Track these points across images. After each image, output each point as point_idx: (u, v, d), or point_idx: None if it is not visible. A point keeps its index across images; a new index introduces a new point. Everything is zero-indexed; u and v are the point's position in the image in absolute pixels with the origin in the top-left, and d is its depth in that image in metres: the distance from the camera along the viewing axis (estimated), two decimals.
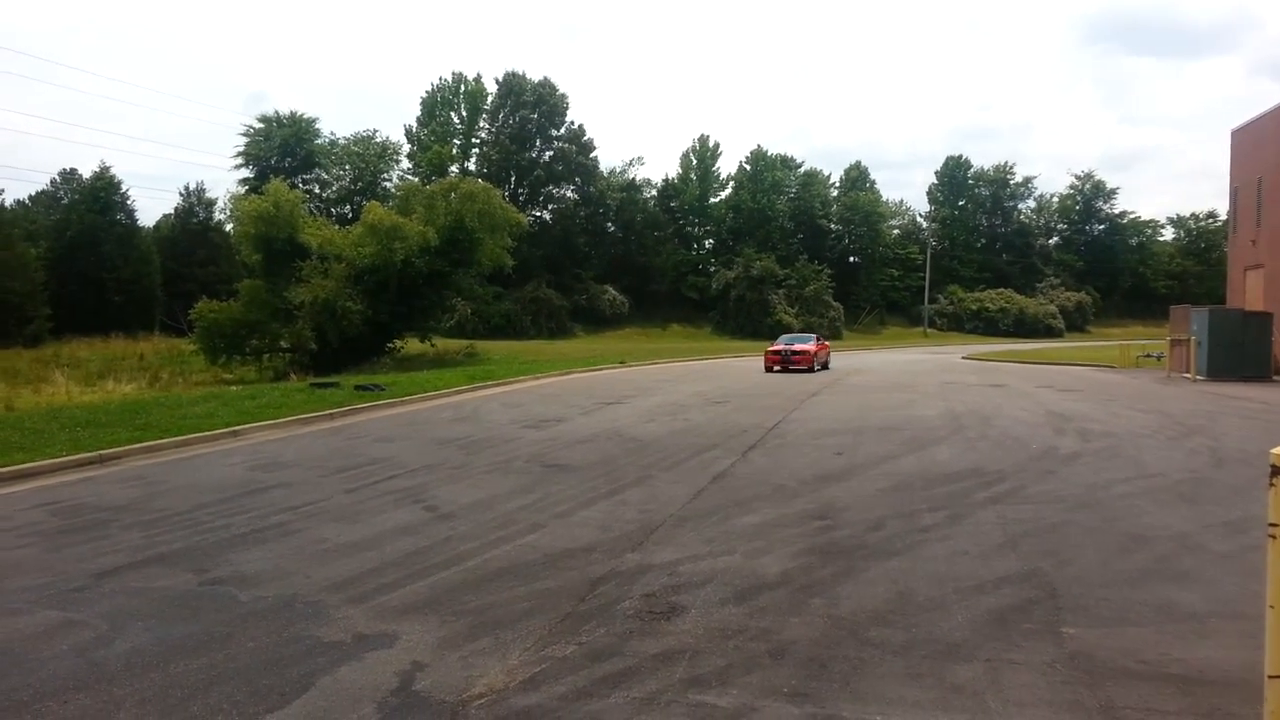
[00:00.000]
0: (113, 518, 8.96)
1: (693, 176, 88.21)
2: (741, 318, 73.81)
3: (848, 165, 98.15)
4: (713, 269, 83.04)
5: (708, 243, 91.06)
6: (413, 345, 41.48)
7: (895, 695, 4.56)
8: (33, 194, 76.31)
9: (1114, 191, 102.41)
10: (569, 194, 79.16)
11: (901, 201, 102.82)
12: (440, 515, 8.89)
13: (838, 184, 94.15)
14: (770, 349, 33.46)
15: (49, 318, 47.63)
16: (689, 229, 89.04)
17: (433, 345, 41.91)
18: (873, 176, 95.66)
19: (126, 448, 13.10)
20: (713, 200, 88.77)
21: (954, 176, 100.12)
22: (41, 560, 7.40)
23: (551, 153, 77.83)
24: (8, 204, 63.63)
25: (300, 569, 6.98)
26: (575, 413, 18.44)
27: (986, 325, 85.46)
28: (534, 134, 77.58)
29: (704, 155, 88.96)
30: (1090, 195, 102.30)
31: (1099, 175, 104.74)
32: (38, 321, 46.64)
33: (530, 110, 76.92)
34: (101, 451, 12.67)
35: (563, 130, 78.41)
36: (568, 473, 11.26)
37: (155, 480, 11.16)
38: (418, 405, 20.70)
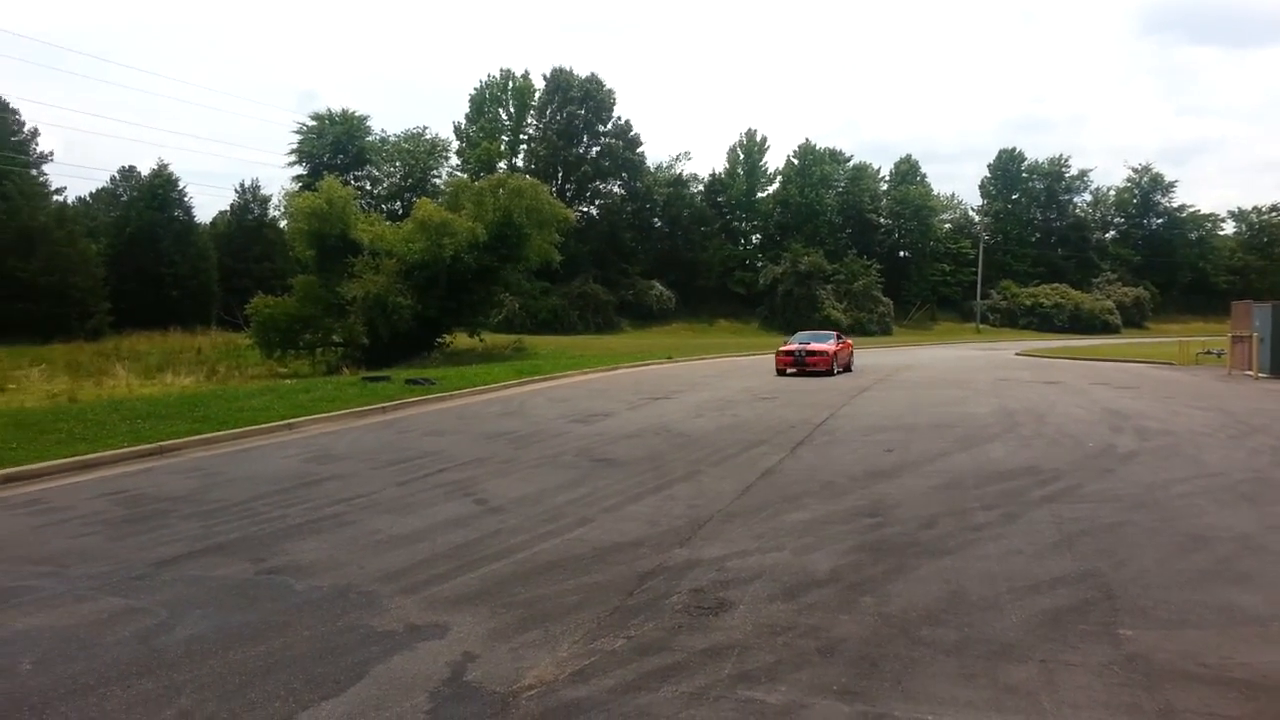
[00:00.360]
0: (172, 508, 9.19)
1: (740, 171, 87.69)
2: (789, 313, 73.17)
3: (898, 159, 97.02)
4: (760, 264, 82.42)
5: (755, 238, 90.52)
6: (461, 340, 41.84)
7: (947, 695, 4.51)
8: (93, 191, 78.36)
9: (1173, 185, 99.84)
10: (616, 189, 79.15)
11: (953, 195, 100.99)
12: (490, 508, 8.98)
13: (887, 178, 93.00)
14: (782, 349, 28.83)
15: (109, 312, 48.92)
16: (736, 224, 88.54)
17: (481, 340, 42.23)
18: (923, 170, 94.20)
19: (185, 439, 13.41)
20: (760, 195, 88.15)
21: (1007, 170, 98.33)
22: (104, 548, 7.61)
23: (598, 148, 77.91)
24: (70, 201, 65.57)
25: (354, 559, 7.10)
26: (622, 408, 18.48)
27: (1041, 321, 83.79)
28: (581, 130, 77.70)
29: (751, 149, 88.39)
30: (1148, 188, 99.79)
31: (1157, 168, 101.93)
32: (99, 316, 47.91)
33: (577, 106, 77.06)
34: (161, 443, 12.99)
35: (610, 126, 78.44)
36: (615, 467, 11.30)
37: (213, 471, 11.42)
38: (467, 399, 20.90)
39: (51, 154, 75.86)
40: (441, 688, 4.65)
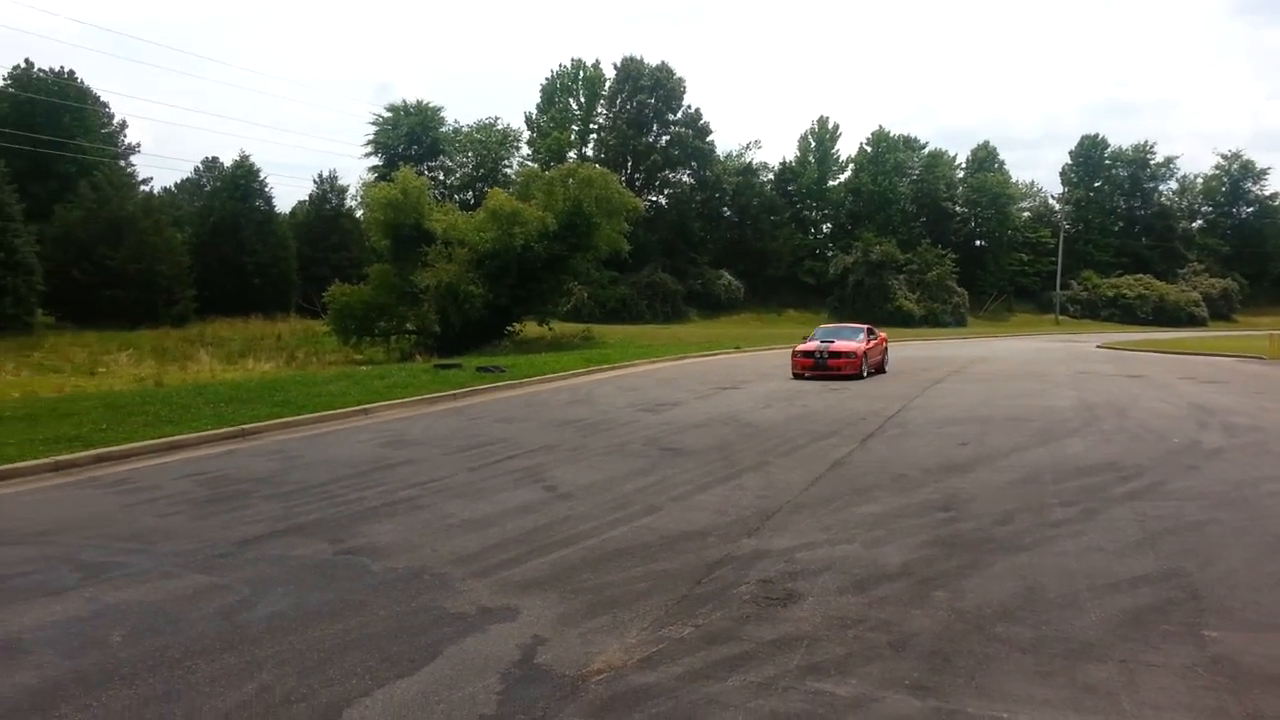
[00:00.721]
0: (254, 489, 9.49)
1: (811, 159, 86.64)
2: (860, 303, 72.12)
3: (974, 145, 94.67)
4: (830, 253, 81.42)
5: (825, 227, 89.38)
6: (531, 328, 42.27)
7: (1023, 693, 4.42)
8: (178, 181, 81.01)
9: (1265, 172, 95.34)
10: (685, 178, 78.92)
11: (1032, 183, 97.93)
12: (559, 495, 9.07)
13: (964, 165, 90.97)
14: (798, 349, 23.63)
15: (194, 299, 50.44)
16: (806, 213, 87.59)
17: (550, 329, 42.61)
18: (1001, 156, 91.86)
19: (266, 423, 13.82)
20: (831, 183, 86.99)
21: (1089, 156, 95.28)
22: (189, 527, 7.90)
23: (668, 137, 77.69)
24: (156, 191, 67.87)
25: (427, 542, 7.25)
26: (691, 397, 18.46)
27: (1123, 313, 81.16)
28: (651, 119, 77.57)
29: (823, 137, 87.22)
30: (1238, 176, 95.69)
31: (1248, 155, 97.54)
32: (184, 302, 49.44)
33: (647, 95, 76.94)
34: (243, 426, 13.41)
35: (679, 114, 78.14)
36: (684, 457, 11.30)
37: (292, 454, 11.75)
38: (536, 387, 21.11)
39: (139, 145, 78.83)
40: (512, 669, 4.72)
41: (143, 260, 46.60)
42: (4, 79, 59.43)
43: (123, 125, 66.75)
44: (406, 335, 38.15)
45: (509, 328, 40.66)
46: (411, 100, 75.42)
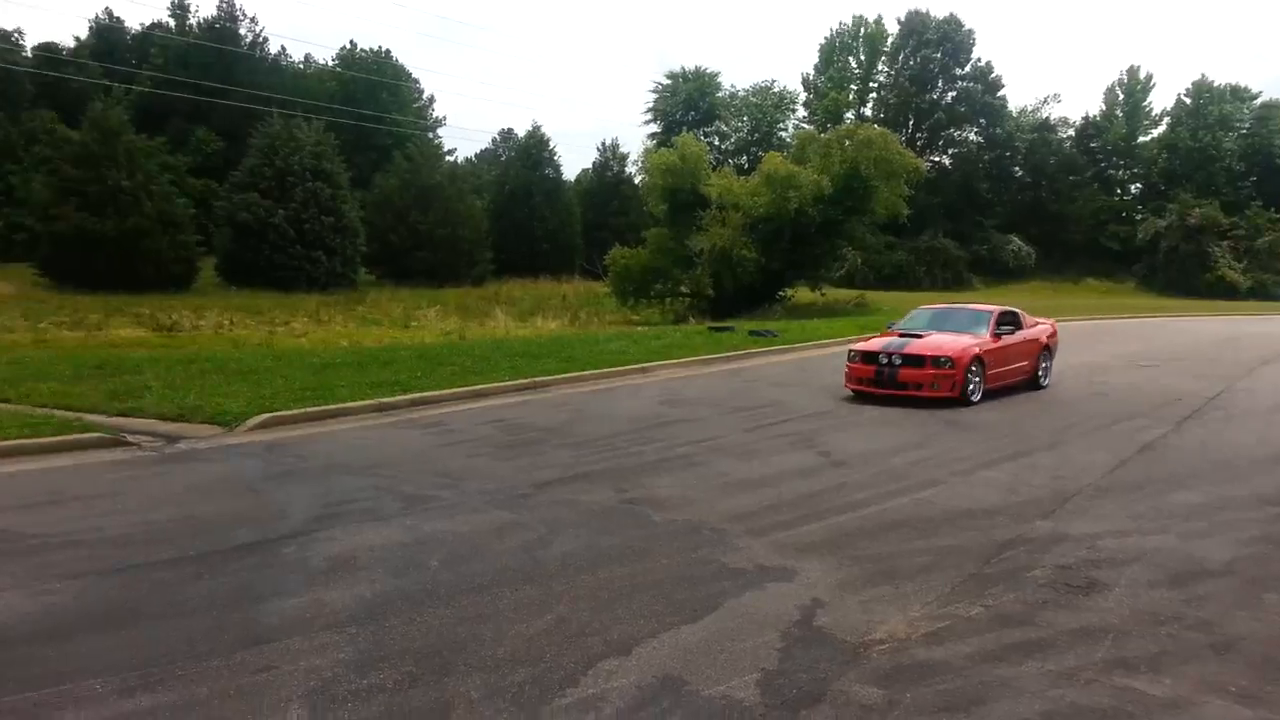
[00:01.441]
0: (546, 437, 10.16)
1: (1118, 113, 78.52)
2: (1172, 272, 64.89)
3: None
4: (1139, 217, 73.70)
5: (1134, 187, 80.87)
6: (803, 294, 41.81)
7: None
8: (478, 152, 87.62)
9: None
10: (972, 137, 74.46)
11: None
12: (833, 462, 8.97)
13: None
14: (858, 346, 14.20)
15: (491, 261, 54.67)
16: (1111, 172, 79.64)
17: (822, 294, 41.95)
18: None
19: (554, 377, 14.73)
20: (1142, 139, 78.42)
21: None
22: (492, 468, 8.60)
23: (954, 93, 73.47)
24: (459, 161, 73.90)
25: (704, 498, 7.42)
26: None
27: None
28: (935, 74, 73.60)
29: (1133, 89, 78.74)
30: None
31: None
32: (482, 264, 53.76)
33: (932, 49, 73.02)
34: (535, 379, 14.38)
35: (967, 69, 73.54)
36: (966, 430, 10.78)
37: (578, 407, 12.45)
38: (807, 352, 20.93)
39: (444, 118, 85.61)
40: (792, 629, 4.74)
41: (448, 225, 50.93)
42: (334, 60, 67.11)
43: (431, 100, 73.16)
44: (680, 298, 39.03)
45: (780, 292, 40.45)
46: (690, 67, 76.59)
